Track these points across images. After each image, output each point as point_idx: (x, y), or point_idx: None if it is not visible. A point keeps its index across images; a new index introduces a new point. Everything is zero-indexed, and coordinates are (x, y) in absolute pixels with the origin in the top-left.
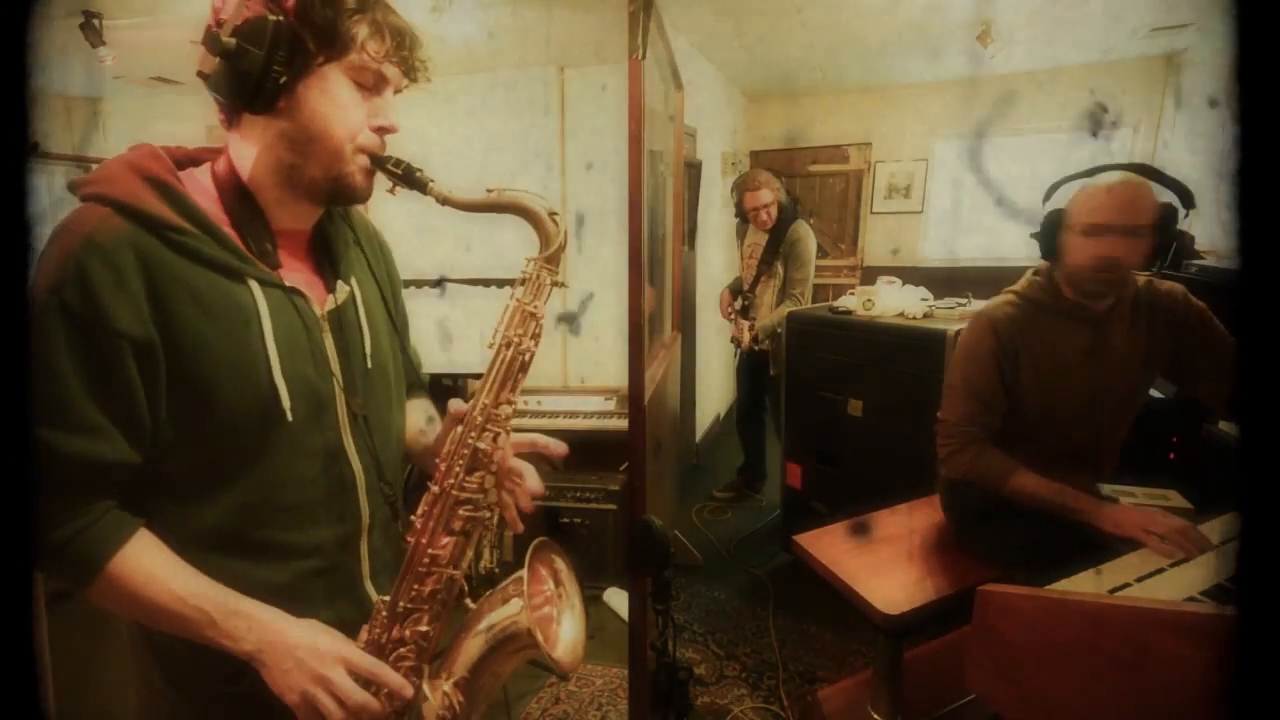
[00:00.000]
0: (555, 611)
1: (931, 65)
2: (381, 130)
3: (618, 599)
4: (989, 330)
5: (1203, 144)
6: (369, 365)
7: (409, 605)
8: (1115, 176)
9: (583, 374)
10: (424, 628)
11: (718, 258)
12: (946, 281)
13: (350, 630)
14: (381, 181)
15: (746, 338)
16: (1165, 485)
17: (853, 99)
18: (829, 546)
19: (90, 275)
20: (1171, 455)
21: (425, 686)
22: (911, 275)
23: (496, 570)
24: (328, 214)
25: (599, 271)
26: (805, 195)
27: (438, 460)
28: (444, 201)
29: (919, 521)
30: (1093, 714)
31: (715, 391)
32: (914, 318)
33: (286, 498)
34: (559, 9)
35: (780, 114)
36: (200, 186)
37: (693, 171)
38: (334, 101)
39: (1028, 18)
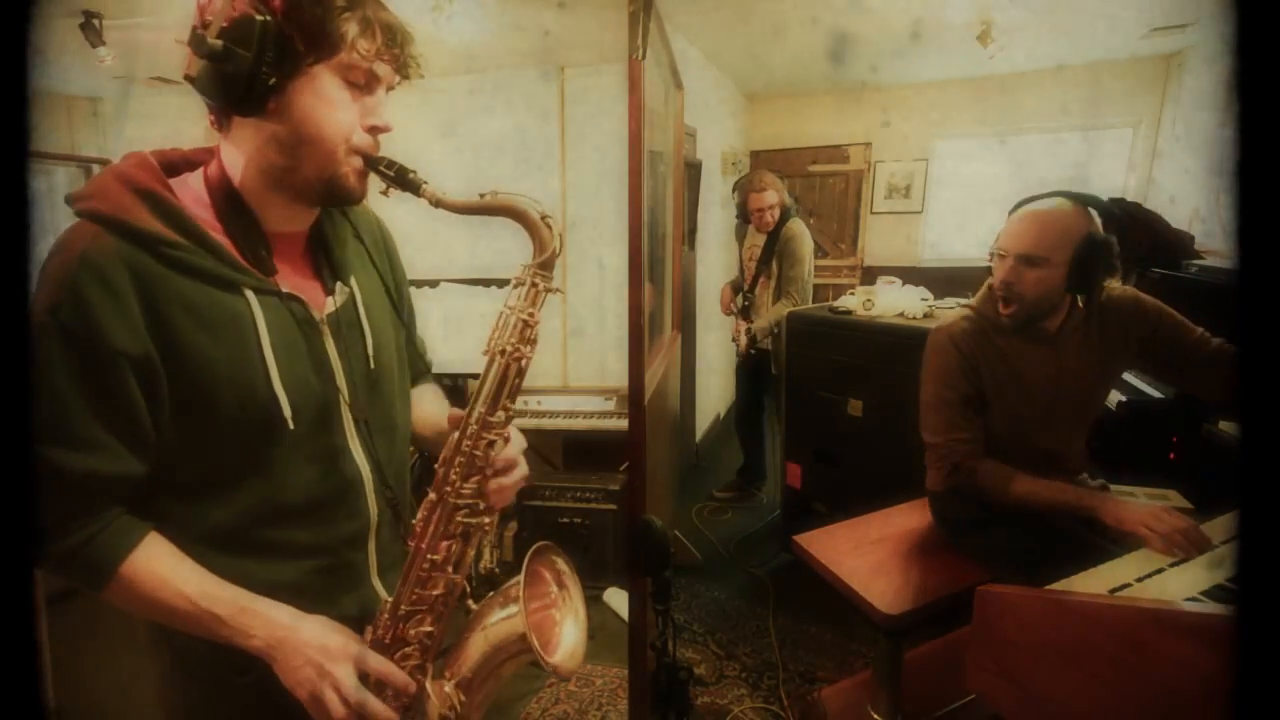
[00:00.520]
0: (557, 614)
1: (931, 65)
2: (375, 130)
3: (618, 599)
4: (951, 345)
5: (1202, 144)
6: (372, 366)
7: (411, 608)
8: (1038, 205)
9: (583, 374)
10: (426, 629)
11: (718, 258)
12: (946, 281)
13: (358, 627)
14: (375, 183)
15: (743, 340)
16: (1165, 485)
17: (853, 99)
18: (829, 546)
19: (86, 295)
20: (1171, 455)
21: (428, 686)
22: (911, 275)
23: (497, 570)
24: (325, 212)
25: (598, 271)
26: (805, 195)
27: (436, 466)
28: (437, 204)
29: (919, 521)
30: (1093, 714)
31: (715, 391)
32: (914, 318)
33: (293, 499)
34: (559, 9)
35: (780, 114)
36: (192, 193)
37: (693, 171)
38: (325, 102)
39: (1028, 18)
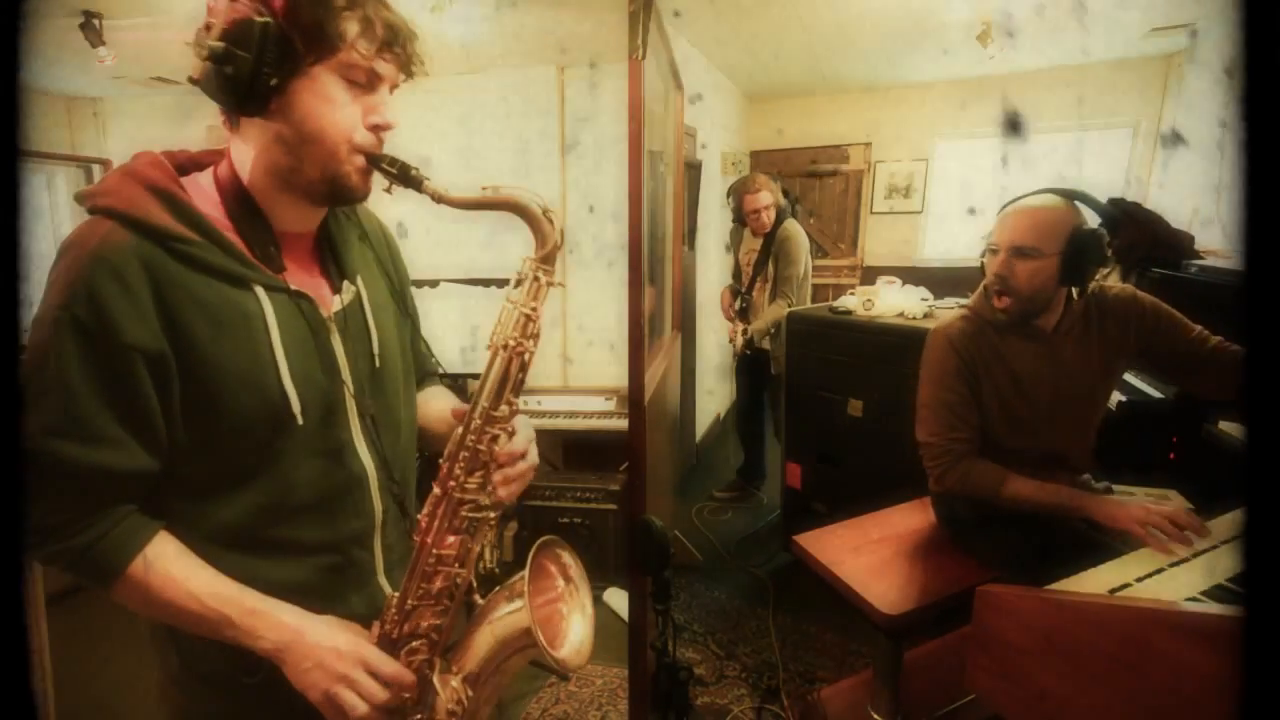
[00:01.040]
0: (564, 609)
1: (931, 65)
2: (377, 128)
3: (618, 599)
4: (948, 347)
5: (1202, 144)
6: (377, 364)
7: (417, 603)
8: (1028, 201)
9: (583, 374)
10: (433, 623)
11: (718, 258)
12: (946, 281)
13: (366, 625)
14: (378, 180)
15: (740, 341)
16: (1165, 485)
17: (853, 99)
18: (829, 546)
19: (99, 290)
20: (1171, 455)
21: (435, 680)
22: (911, 275)
23: (496, 570)
24: (332, 213)
25: (599, 271)
26: (805, 195)
27: (440, 461)
28: (439, 200)
29: (919, 521)
30: (1093, 714)
31: (715, 391)
32: (914, 318)
33: (300, 497)
34: (559, 9)
35: (780, 114)
36: (203, 192)
37: (693, 171)
38: (326, 101)
39: (1028, 18)
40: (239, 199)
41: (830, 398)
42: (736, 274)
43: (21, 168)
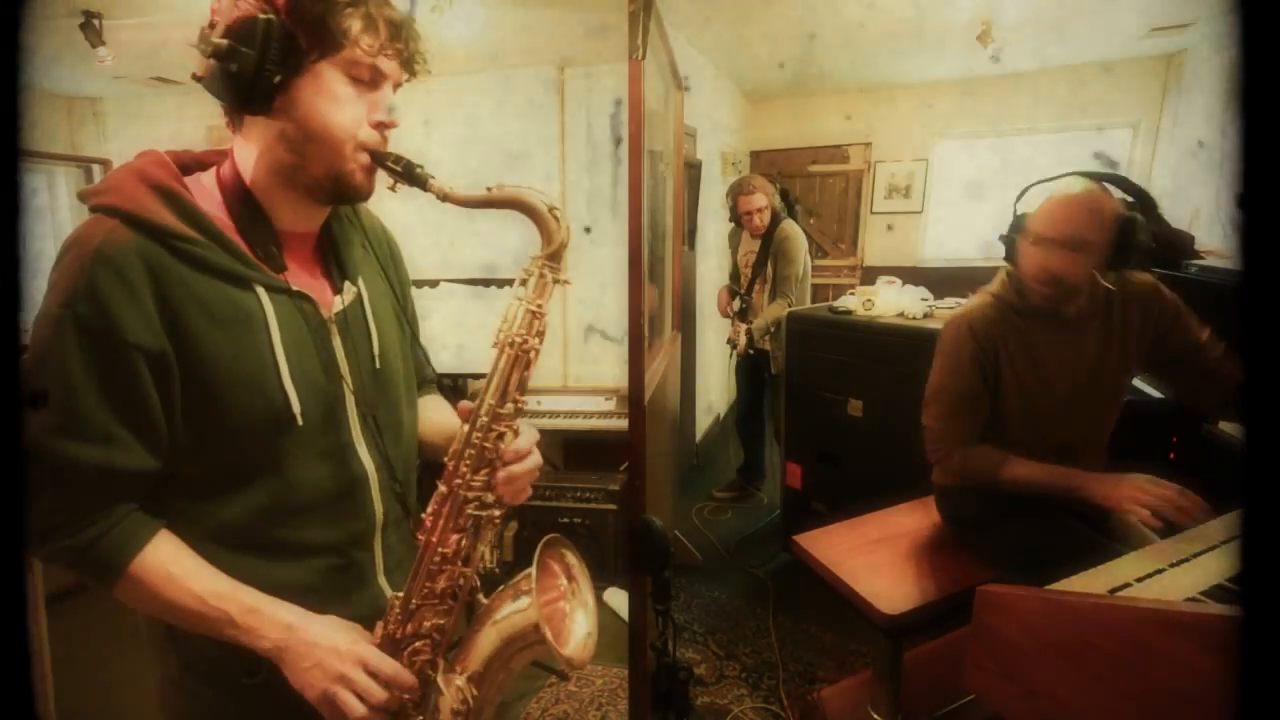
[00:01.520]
0: (567, 607)
1: (931, 65)
2: (382, 125)
3: (618, 599)
4: (967, 334)
5: (1202, 144)
6: (377, 365)
7: (422, 602)
8: (1073, 188)
9: (583, 374)
10: (437, 623)
11: (718, 258)
12: (946, 281)
13: (365, 625)
14: (383, 179)
15: (742, 341)
16: None
17: (853, 99)
18: (829, 546)
19: (101, 288)
20: (1171, 455)
21: (440, 680)
22: (911, 275)
23: (496, 570)
24: (335, 214)
25: (599, 271)
26: (805, 195)
27: (445, 459)
28: (444, 198)
29: (919, 521)
30: (1093, 714)
31: (715, 391)
32: (914, 318)
33: (300, 497)
34: (559, 9)
35: (780, 114)
36: (206, 192)
37: (693, 171)
38: (329, 99)
39: (1028, 18)
40: (242, 199)
41: (830, 398)
42: (734, 275)
43: (22, 167)
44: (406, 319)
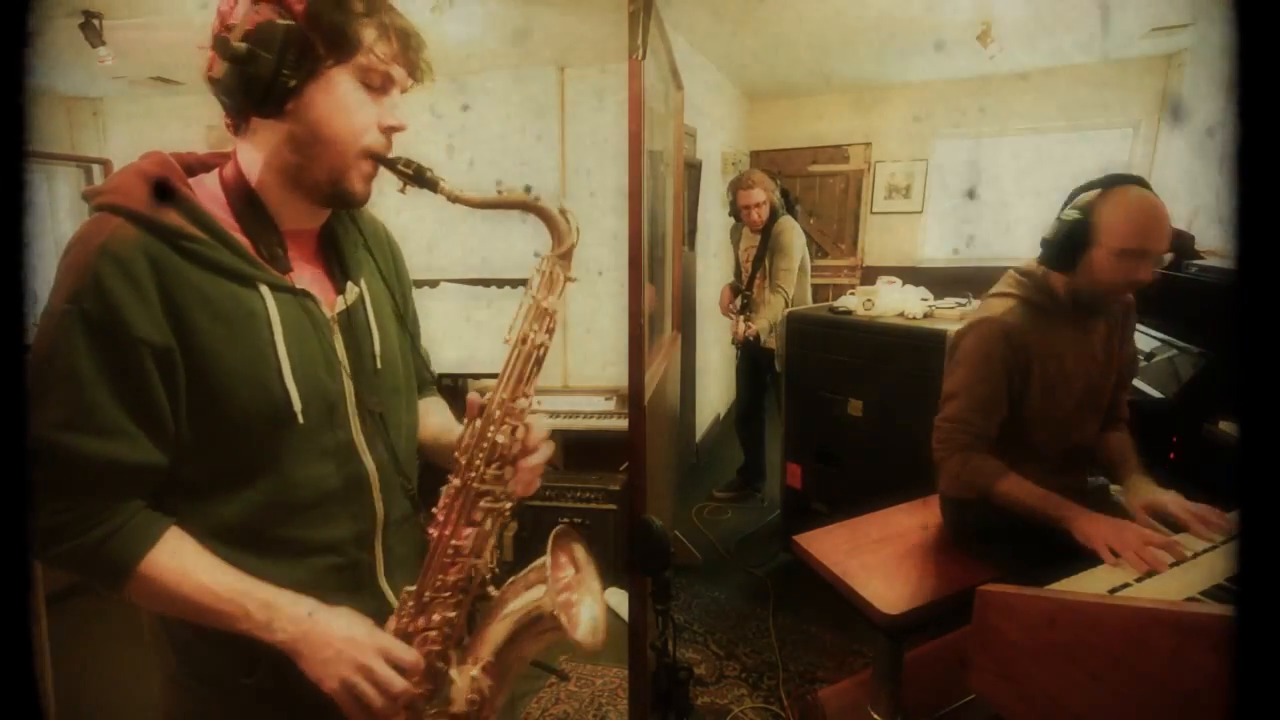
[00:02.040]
0: (574, 596)
1: (931, 65)
2: (389, 130)
3: (618, 599)
4: (1001, 337)
5: (1202, 144)
6: (378, 365)
7: (434, 595)
8: (1147, 198)
9: (583, 374)
10: (448, 615)
11: (718, 258)
12: (946, 281)
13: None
14: (392, 181)
15: (741, 328)
16: (1165, 485)
17: (853, 99)
18: (829, 547)
19: (107, 284)
20: (1171, 455)
21: (453, 671)
22: (911, 275)
23: (497, 570)
24: (336, 215)
25: (598, 271)
26: (805, 195)
27: (457, 454)
28: (454, 200)
29: (919, 521)
30: (1093, 714)
31: (715, 391)
32: (914, 318)
33: (302, 496)
34: (559, 9)
35: (780, 114)
36: (209, 192)
37: (693, 171)
38: (341, 103)
39: (1028, 18)
40: (246, 199)
41: (830, 398)
42: (737, 271)
43: (26, 167)
44: (408, 322)
